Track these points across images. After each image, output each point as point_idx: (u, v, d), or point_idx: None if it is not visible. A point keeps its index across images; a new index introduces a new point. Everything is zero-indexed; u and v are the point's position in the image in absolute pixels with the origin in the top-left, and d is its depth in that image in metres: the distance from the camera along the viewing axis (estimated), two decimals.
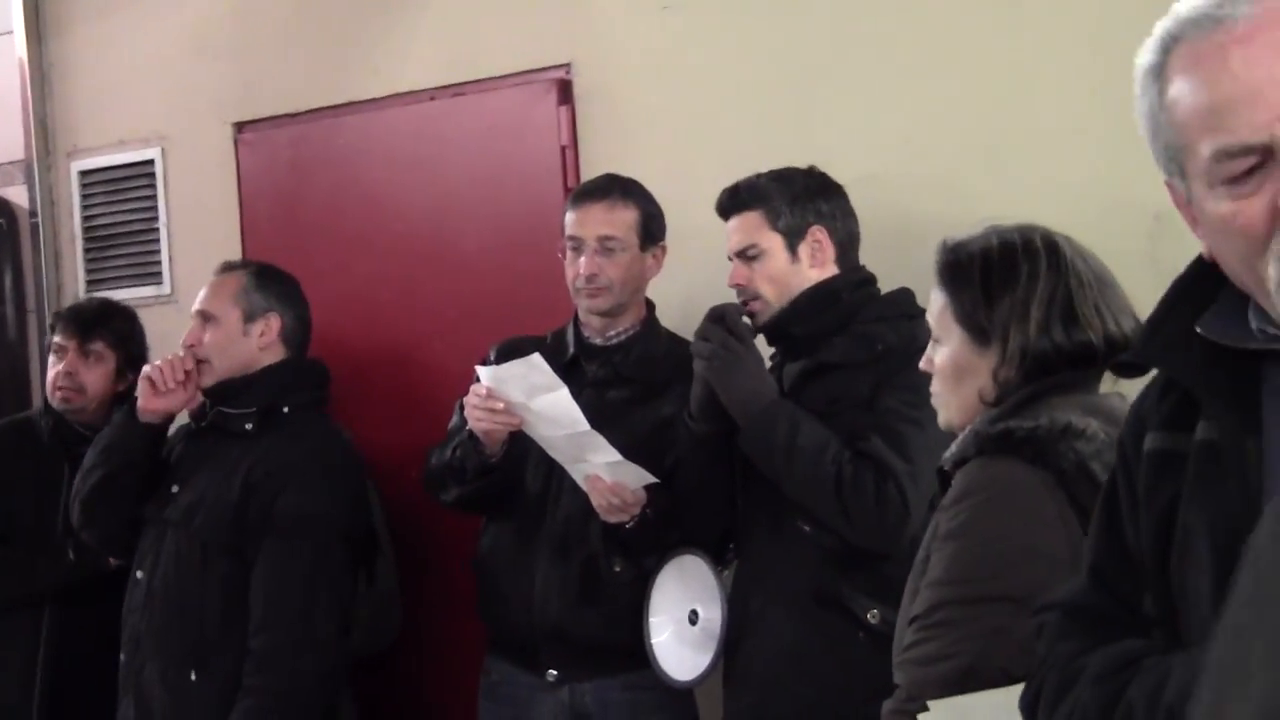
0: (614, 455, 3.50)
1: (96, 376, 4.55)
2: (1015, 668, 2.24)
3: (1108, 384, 2.58)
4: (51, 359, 4.56)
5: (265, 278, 4.20)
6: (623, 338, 3.82)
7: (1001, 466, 2.41)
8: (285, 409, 4.07)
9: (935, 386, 2.66)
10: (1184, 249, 3.50)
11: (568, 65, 4.42)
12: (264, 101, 5.04)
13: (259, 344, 4.10)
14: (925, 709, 2.33)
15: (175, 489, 4.06)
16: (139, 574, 4.06)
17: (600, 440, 3.49)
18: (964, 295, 2.59)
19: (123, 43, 5.34)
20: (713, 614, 3.49)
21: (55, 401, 4.51)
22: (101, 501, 4.09)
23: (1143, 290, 3.51)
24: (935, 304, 2.65)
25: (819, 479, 3.24)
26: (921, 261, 3.76)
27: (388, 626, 4.52)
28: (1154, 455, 1.77)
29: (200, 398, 4.13)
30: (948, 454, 2.54)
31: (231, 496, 3.94)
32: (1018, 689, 1.98)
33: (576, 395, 3.51)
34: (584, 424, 3.48)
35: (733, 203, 3.50)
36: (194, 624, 3.94)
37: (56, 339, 4.56)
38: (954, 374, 2.61)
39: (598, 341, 3.82)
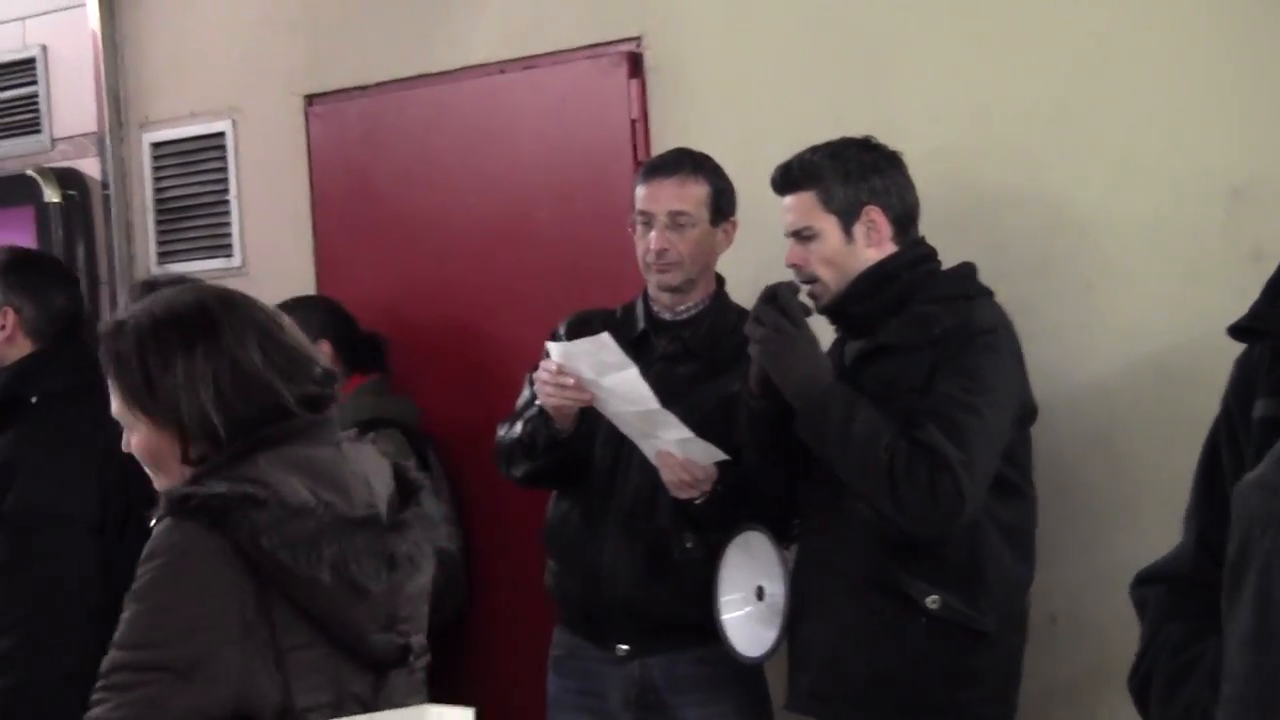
0: (685, 432, 3.49)
1: None
2: None
3: None
4: None
5: (9, 269, 4.20)
6: (692, 313, 3.79)
7: (183, 531, 2.37)
8: (33, 399, 4.08)
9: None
10: (1263, 224, 3.51)
11: (639, 38, 4.40)
12: (334, 74, 5.05)
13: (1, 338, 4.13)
14: None
15: None
16: None
17: (671, 417, 3.48)
18: (128, 381, 2.52)
19: (194, 15, 5.37)
20: (777, 590, 3.48)
21: None
22: None
23: (1219, 265, 3.52)
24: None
25: (872, 467, 3.19)
26: (992, 234, 3.78)
27: (454, 599, 4.53)
28: (1266, 422, 1.74)
29: None
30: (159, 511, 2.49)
31: None
32: None
33: (645, 370, 3.50)
34: (654, 402, 3.47)
35: (786, 181, 3.45)
36: None
37: None
38: (153, 460, 2.55)
39: (667, 316, 3.81)
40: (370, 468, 2.59)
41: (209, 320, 2.49)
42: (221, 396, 2.46)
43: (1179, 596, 1.85)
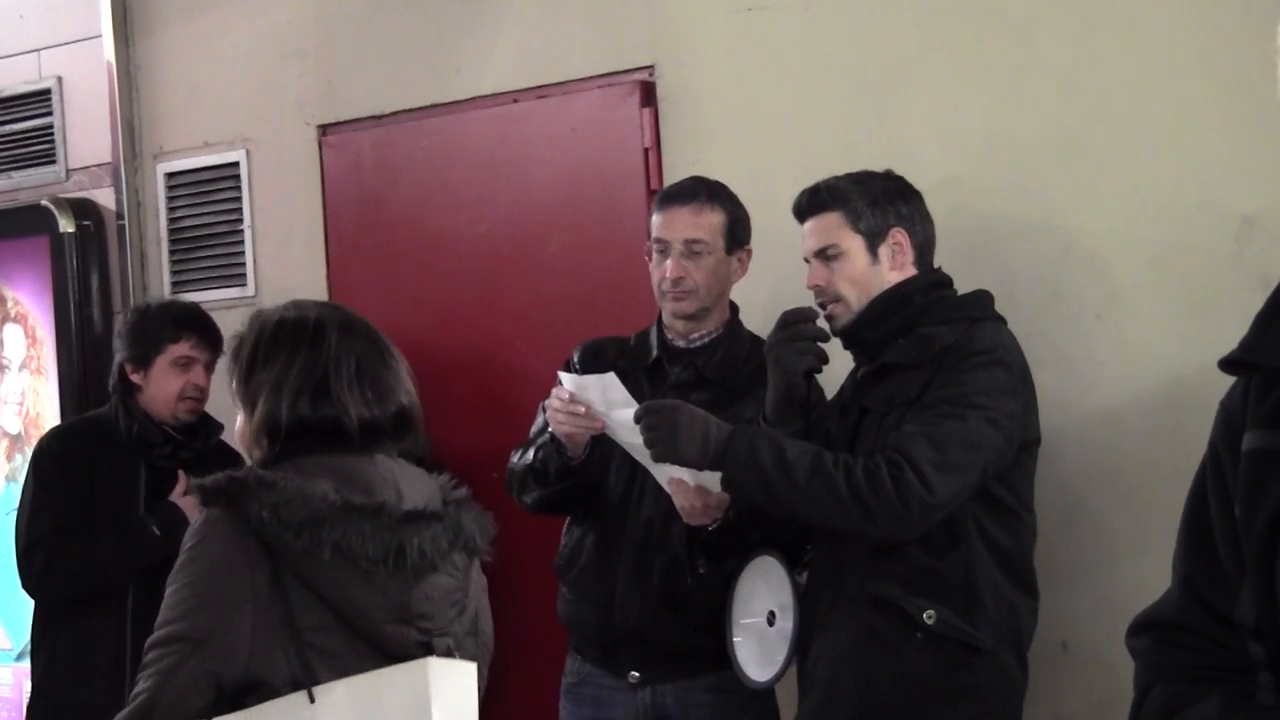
0: None
1: (208, 384, 4.54)
2: (185, 706, 2.54)
3: None
4: (170, 365, 4.49)
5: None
6: (706, 340, 3.81)
7: (208, 514, 2.65)
8: None
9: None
10: (1273, 253, 3.52)
11: (651, 67, 4.43)
12: (348, 104, 5.08)
13: None
14: None
15: None
16: None
17: None
18: (237, 367, 2.83)
19: (208, 46, 5.39)
20: (787, 615, 3.49)
21: (182, 413, 4.48)
22: None
23: (1229, 294, 3.53)
24: None
25: (826, 484, 3.17)
26: (1003, 264, 3.79)
27: None
28: (1256, 454, 1.74)
29: None
30: None
31: None
32: None
33: (659, 398, 3.51)
34: None
35: (812, 203, 3.47)
36: None
37: (185, 350, 4.48)
38: (244, 448, 2.87)
39: (681, 344, 3.82)
40: (405, 477, 2.79)
41: (320, 336, 2.77)
42: (298, 403, 2.72)
43: (1165, 649, 1.86)
